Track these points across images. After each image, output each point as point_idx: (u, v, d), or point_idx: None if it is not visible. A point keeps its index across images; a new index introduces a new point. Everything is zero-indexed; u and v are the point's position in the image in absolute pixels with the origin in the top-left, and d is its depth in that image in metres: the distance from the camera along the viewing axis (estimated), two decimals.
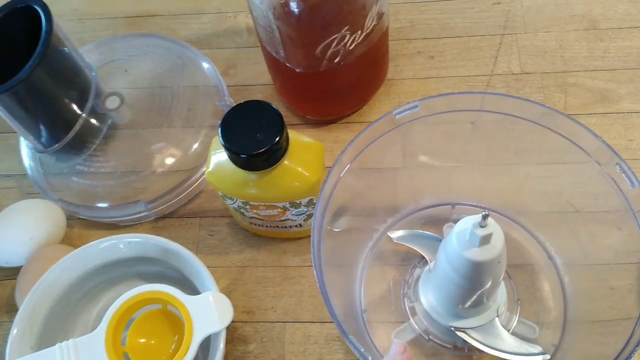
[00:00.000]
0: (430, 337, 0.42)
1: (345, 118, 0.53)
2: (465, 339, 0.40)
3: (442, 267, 0.36)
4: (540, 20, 0.56)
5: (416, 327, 0.43)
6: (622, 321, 0.36)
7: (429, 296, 0.41)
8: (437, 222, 0.47)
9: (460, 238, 0.33)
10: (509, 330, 0.41)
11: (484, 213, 0.31)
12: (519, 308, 0.43)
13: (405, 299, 0.44)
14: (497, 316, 0.40)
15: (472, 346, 0.40)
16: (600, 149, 0.37)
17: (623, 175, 0.36)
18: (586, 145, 0.38)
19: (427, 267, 0.43)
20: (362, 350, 0.33)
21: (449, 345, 0.42)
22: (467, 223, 0.33)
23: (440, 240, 0.39)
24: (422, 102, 0.39)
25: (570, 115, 0.39)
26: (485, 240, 0.32)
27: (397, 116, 0.39)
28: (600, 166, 0.37)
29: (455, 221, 0.35)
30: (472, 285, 0.36)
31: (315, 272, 0.35)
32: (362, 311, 0.44)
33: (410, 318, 0.43)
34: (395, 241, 0.46)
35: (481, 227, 0.32)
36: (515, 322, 0.42)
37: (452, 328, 0.40)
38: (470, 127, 0.43)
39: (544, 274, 0.44)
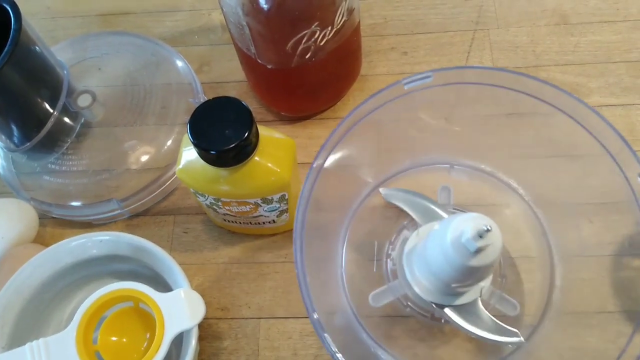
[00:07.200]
0: (408, 303, 0.42)
1: (320, 114, 0.54)
2: (445, 316, 0.40)
3: (434, 256, 0.36)
4: (512, 16, 0.57)
5: (396, 291, 0.42)
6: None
7: (414, 269, 0.40)
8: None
9: (456, 243, 0.33)
10: (489, 306, 0.41)
11: (486, 227, 0.31)
12: (503, 283, 0.43)
13: (389, 260, 0.44)
14: (480, 297, 0.40)
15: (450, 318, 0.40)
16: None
17: None
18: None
19: (415, 232, 0.42)
20: (334, 350, 0.33)
21: (426, 314, 0.42)
22: (465, 226, 0.32)
23: (432, 205, 0.38)
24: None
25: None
26: (483, 249, 0.32)
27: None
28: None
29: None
30: (464, 277, 0.35)
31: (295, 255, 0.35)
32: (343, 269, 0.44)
33: (391, 280, 0.43)
34: (384, 198, 0.45)
35: (481, 237, 0.32)
36: (498, 297, 0.42)
37: (434, 304, 0.40)
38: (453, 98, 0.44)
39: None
